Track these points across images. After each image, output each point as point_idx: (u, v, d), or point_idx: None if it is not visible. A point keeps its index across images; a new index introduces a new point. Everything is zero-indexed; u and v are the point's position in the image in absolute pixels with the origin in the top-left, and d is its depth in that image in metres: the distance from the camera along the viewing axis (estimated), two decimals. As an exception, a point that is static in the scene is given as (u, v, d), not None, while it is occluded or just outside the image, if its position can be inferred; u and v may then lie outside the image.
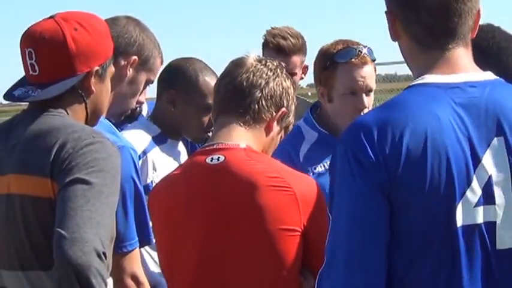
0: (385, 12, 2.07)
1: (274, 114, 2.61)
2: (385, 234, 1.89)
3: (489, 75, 2.04)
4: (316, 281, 1.97)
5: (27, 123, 2.47)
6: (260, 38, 4.11)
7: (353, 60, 3.29)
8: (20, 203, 2.40)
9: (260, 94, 2.58)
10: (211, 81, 3.44)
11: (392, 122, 1.91)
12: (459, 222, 1.90)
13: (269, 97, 2.59)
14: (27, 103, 2.60)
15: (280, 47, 4.05)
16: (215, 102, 2.68)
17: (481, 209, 1.92)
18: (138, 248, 2.86)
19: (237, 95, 2.59)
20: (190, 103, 3.44)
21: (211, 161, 2.52)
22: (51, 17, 2.54)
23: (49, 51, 2.48)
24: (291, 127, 2.75)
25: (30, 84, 2.52)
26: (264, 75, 2.60)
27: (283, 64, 2.73)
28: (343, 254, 1.91)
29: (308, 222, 2.47)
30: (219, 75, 2.76)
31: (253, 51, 2.70)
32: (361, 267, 1.89)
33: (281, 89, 2.62)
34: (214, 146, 2.56)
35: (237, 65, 2.65)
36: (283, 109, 2.63)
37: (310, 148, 3.33)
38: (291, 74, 3.81)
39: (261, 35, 4.12)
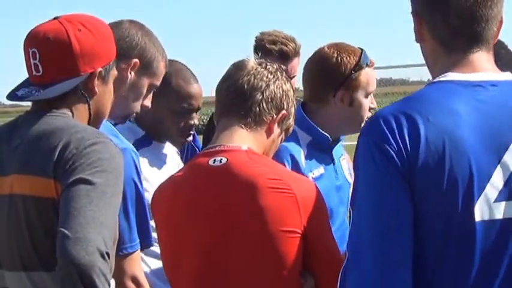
0: (411, 13, 2.09)
1: (275, 116, 2.64)
2: (411, 222, 1.91)
3: (509, 76, 2.06)
4: (340, 277, 1.97)
5: (30, 123, 2.47)
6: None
7: (370, 63, 3.42)
8: (22, 203, 2.40)
9: (261, 97, 2.61)
10: (186, 85, 3.43)
11: (411, 113, 1.93)
12: (478, 217, 1.91)
13: (270, 99, 2.62)
14: (30, 105, 2.60)
15: (283, 53, 4.12)
16: (217, 105, 2.70)
17: (502, 204, 1.92)
18: (139, 250, 2.86)
19: (238, 98, 2.61)
20: (162, 106, 3.40)
21: (214, 162, 2.54)
22: (55, 18, 2.55)
23: (53, 51, 2.48)
24: (291, 129, 2.78)
25: (33, 84, 2.52)
26: (264, 78, 2.63)
27: (284, 67, 2.76)
28: (370, 244, 1.91)
29: (308, 224, 2.49)
30: (220, 78, 2.77)
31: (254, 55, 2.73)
32: (390, 258, 1.90)
33: (281, 92, 2.65)
34: (217, 148, 2.58)
35: (238, 67, 2.67)
36: (284, 111, 2.66)
37: (307, 152, 3.34)
38: (293, 77, 3.87)
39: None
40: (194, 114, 3.48)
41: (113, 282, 2.45)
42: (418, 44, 2.14)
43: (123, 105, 3.08)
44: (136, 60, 3.09)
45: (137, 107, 3.15)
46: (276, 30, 4.27)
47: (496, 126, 1.95)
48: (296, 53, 4.17)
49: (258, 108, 2.61)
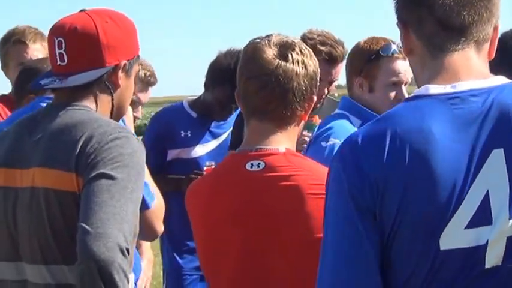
0: (397, 24, 1.94)
1: (306, 107, 2.50)
2: (377, 262, 1.79)
3: (498, 81, 1.85)
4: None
5: (52, 116, 2.45)
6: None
7: (396, 54, 3.57)
8: (44, 196, 2.38)
9: (292, 97, 2.45)
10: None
11: (381, 138, 1.79)
12: (444, 245, 1.75)
13: (301, 96, 2.46)
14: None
15: (332, 56, 4.06)
16: (244, 101, 2.52)
17: (473, 231, 1.75)
18: None
19: (270, 103, 2.46)
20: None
21: (251, 167, 2.43)
22: (81, 11, 2.54)
23: (80, 41, 2.46)
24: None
25: (56, 74, 2.50)
26: (293, 76, 2.45)
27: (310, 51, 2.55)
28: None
29: None
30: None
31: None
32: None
33: (309, 80, 2.48)
34: (253, 151, 2.46)
35: (260, 61, 2.45)
36: (313, 97, 2.51)
37: None
38: (334, 81, 4.09)
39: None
40: None
41: (132, 276, 2.41)
42: None
43: None
44: None
45: None
46: (324, 31, 4.18)
47: (472, 143, 1.78)
48: (343, 58, 4.10)
49: (290, 109, 2.47)
